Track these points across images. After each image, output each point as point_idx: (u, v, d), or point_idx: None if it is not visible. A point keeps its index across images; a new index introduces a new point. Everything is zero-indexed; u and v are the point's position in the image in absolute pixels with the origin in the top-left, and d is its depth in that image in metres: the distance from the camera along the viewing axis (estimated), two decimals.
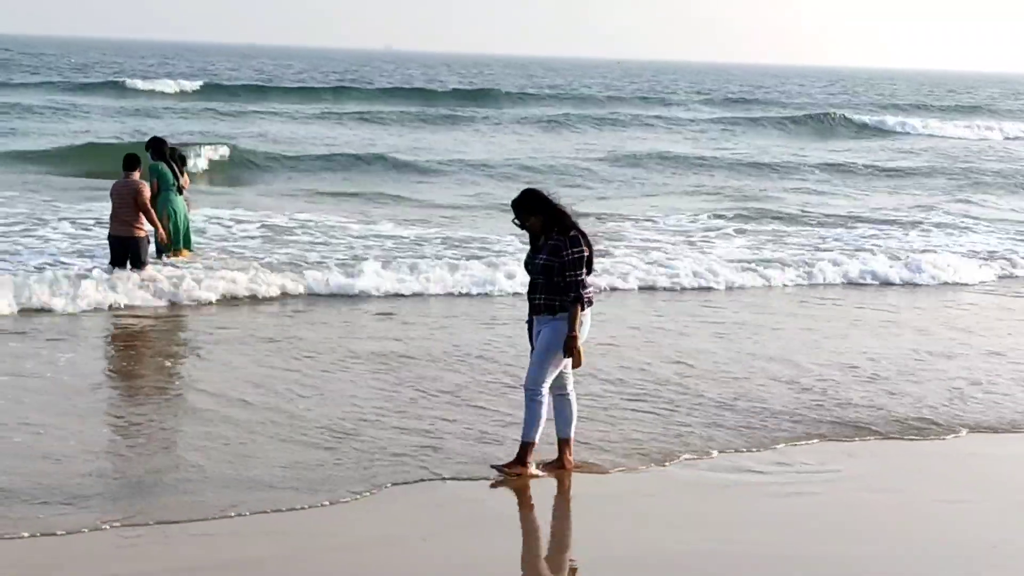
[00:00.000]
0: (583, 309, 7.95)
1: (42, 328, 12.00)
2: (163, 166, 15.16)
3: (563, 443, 8.33)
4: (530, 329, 8.21)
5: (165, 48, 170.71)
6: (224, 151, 29.05)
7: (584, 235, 8.00)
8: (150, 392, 9.96)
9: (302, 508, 7.37)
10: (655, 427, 9.35)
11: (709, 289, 15.90)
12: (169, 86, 57.17)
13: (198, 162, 27.34)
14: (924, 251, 19.09)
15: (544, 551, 7.29)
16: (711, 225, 21.57)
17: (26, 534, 6.74)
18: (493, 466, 8.21)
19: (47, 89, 52.45)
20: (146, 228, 14.38)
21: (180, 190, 15.31)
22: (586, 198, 25.36)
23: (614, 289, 15.42)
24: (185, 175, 15.71)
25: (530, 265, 8.11)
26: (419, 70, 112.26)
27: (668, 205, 24.59)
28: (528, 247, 8.26)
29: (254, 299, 13.83)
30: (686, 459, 8.66)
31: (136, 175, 14.45)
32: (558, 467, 8.28)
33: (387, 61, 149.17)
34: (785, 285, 16.46)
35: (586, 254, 7.96)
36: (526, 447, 8.15)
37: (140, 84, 57.13)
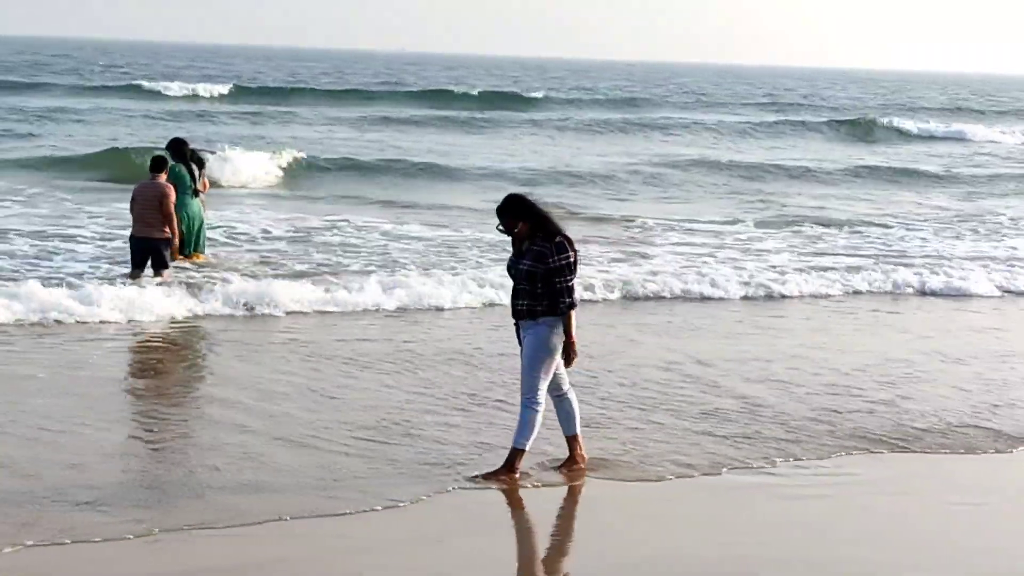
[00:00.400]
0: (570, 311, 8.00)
1: (66, 335, 11.98)
2: (181, 168, 15.11)
3: (571, 440, 8.43)
4: (518, 332, 8.25)
5: (179, 50, 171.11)
6: (292, 156, 28.54)
7: (569, 240, 8.03)
8: (171, 399, 10.02)
9: (340, 514, 7.42)
10: (676, 434, 9.40)
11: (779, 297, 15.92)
12: (203, 89, 57.05)
13: (271, 167, 27.18)
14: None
15: (566, 555, 7.32)
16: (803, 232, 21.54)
17: (67, 541, 6.78)
18: (481, 476, 8.20)
19: (82, 92, 52.65)
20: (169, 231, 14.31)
21: (196, 193, 15.28)
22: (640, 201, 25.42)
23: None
24: (203, 177, 15.69)
25: (513, 270, 8.14)
26: (443, 72, 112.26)
27: (730, 212, 24.27)
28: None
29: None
30: (734, 469, 8.67)
31: (162, 177, 14.44)
32: (572, 464, 8.38)
33: (409, 63, 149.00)
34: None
35: (572, 259, 7.96)
36: (516, 453, 8.21)
37: (175, 88, 57.14)
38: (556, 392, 8.32)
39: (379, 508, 7.55)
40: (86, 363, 10.92)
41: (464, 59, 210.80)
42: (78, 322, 12.48)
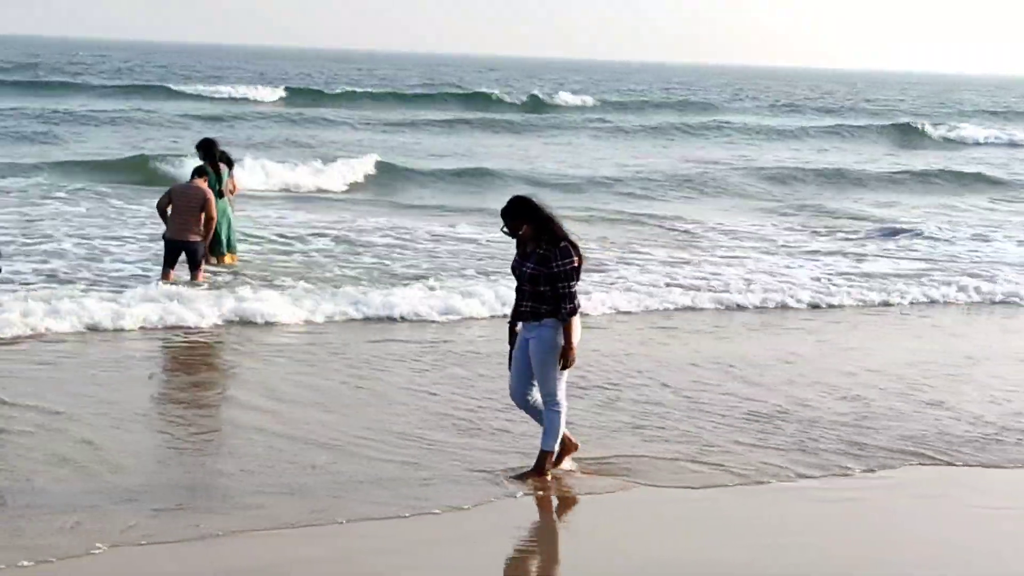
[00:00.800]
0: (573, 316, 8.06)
1: (97, 344, 11.93)
2: (208, 169, 15.28)
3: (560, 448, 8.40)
4: (511, 331, 8.34)
5: (210, 51, 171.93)
6: (372, 161, 28.78)
7: (575, 245, 8.08)
8: (204, 405, 10.05)
9: (383, 518, 7.49)
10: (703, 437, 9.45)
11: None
12: (257, 93, 57.32)
13: (347, 173, 27.39)
14: None
15: (596, 561, 7.23)
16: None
17: (102, 547, 6.81)
18: (512, 476, 8.30)
19: (130, 94, 53.08)
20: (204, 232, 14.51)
21: (221, 194, 15.45)
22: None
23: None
24: (232, 179, 15.91)
25: (517, 271, 8.21)
26: (464, 73, 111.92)
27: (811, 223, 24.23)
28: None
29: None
30: (782, 478, 8.68)
31: (203, 181, 14.70)
32: (538, 476, 8.30)
33: (425, 63, 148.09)
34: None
35: (576, 264, 8.03)
36: (544, 456, 8.32)
37: (232, 91, 57.50)
38: (523, 399, 8.39)
39: (407, 514, 7.60)
40: (122, 369, 11.06)
41: (474, 60, 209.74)
42: (112, 331, 12.38)
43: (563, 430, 8.35)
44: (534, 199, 8.24)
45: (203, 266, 14.67)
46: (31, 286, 13.85)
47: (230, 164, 16.03)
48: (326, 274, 15.76)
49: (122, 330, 12.42)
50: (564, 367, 8.20)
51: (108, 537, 6.92)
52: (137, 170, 26.91)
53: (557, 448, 8.35)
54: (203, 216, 14.42)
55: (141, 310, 12.80)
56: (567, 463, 8.51)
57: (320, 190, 26.34)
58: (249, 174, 25.24)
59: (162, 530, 7.09)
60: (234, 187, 16.05)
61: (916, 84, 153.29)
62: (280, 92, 58.77)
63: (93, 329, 12.37)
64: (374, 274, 15.95)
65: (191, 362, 11.86)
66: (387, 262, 16.98)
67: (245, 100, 54.84)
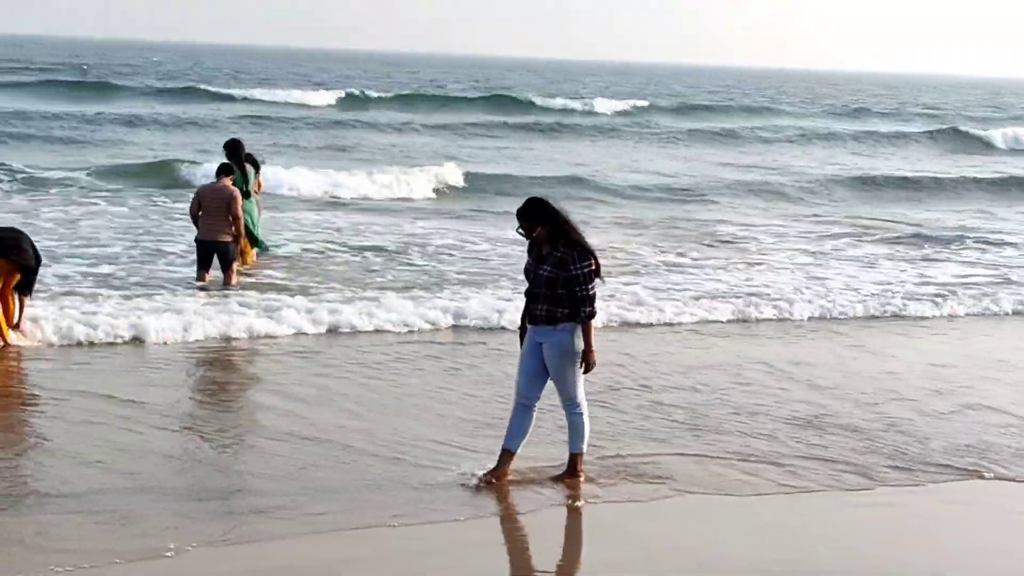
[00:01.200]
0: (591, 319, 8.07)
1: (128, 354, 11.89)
2: (235, 168, 15.49)
3: (507, 454, 8.36)
4: (522, 335, 8.32)
5: (240, 52, 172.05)
6: (453, 171, 28.39)
7: (590, 249, 8.07)
8: (238, 413, 10.10)
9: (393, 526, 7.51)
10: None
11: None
12: (310, 98, 56.24)
13: (430, 180, 27.11)
14: None
15: (637, 567, 7.24)
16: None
17: (172, 551, 6.92)
18: (549, 479, 8.38)
19: (191, 97, 52.84)
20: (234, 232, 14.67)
21: (248, 194, 15.66)
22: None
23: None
24: (258, 179, 16.15)
25: (532, 274, 8.15)
26: (502, 75, 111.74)
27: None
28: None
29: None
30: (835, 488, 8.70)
31: (229, 180, 14.87)
32: (496, 479, 8.29)
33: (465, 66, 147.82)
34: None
35: (593, 267, 8.02)
36: (576, 458, 8.41)
37: (287, 95, 56.63)
38: (526, 401, 8.34)
39: (461, 518, 7.71)
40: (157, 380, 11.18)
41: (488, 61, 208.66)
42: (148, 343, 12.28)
43: (587, 428, 8.40)
44: (550, 201, 8.21)
45: (234, 267, 14.85)
46: (104, 295, 13.84)
47: (256, 165, 16.36)
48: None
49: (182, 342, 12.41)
50: (586, 370, 8.19)
51: (177, 539, 7.08)
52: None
53: (584, 447, 8.42)
54: (230, 216, 14.60)
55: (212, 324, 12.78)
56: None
57: (402, 199, 25.98)
58: (359, 182, 25.75)
59: (208, 532, 7.22)
60: (259, 186, 16.31)
61: (958, 88, 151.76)
62: (334, 96, 57.80)
63: (204, 339, 12.48)
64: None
65: (241, 370, 11.96)
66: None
67: (302, 105, 53.62)
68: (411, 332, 13.33)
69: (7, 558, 6.75)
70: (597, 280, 8.10)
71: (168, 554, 6.87)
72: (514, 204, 8.76)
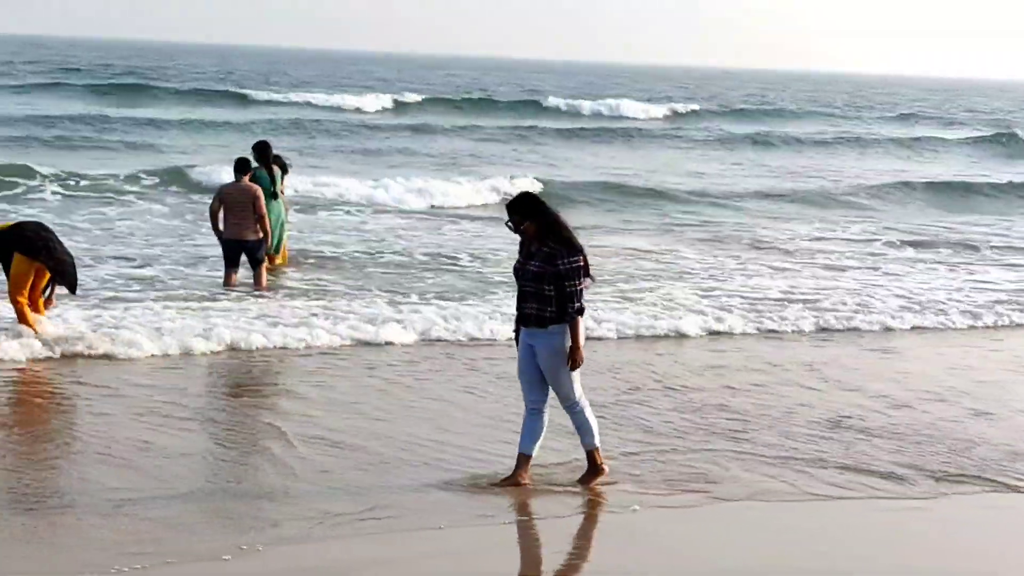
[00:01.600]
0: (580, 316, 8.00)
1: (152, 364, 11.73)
2: (262, 171, 15.48)
3: (523, 458, 8.32)
4: (517, 338, 8.27)
5: (267, 53, 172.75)
6: (527, 178, 27.70)
7: (580, 246, 7.99)
8: (260, 420, 9.99)
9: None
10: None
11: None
12: (366, 103, 55.29)
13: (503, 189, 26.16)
14: None
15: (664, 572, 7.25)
16: None
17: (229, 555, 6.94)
18: (577, 480, 8.36)
19: (249, 104, 52.51)
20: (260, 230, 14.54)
21: (275, 195, 15.61)
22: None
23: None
24: (284, 182, 16.14)
25: (520, 271, 8.08)
26: (523, 79, 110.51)
27: None
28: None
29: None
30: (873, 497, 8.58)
31: (247, 179, 14.67)
32: (513, 483, 8.24)
33: (492, 69, 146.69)
34: None
35: (582, 263, 7.94)
36: (592, 454, 8.39)
37: (342, 100, 55.69)
38: (534, 405, 8.27)
39: (493, 522, 7.70)
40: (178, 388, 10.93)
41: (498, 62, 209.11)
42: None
43: (594, 422, 8.36)
44: (541, 198, 8.16)
45: (263, 269, 14.72)
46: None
47: (284, 168, 16.31)
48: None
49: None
50: (573, 368, 8.09)
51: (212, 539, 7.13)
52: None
53: (598, 441, 8.38)
54: (255, 214, 14.43)
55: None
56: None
57: (473, 205, 25.16)
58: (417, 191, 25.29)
59: (236, 535, 7.24)
60: (282, 189, 16.27)
61: (1002, 92, 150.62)
62: (386, 100, 56.78)
63: (234, 348, 12.30)
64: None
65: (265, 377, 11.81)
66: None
67: (357, 110, 53.02)
68: (436, 342, 13.12)
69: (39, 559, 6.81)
70: (587, 279, 8.05)
71: (210, 557, 6.91)
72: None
